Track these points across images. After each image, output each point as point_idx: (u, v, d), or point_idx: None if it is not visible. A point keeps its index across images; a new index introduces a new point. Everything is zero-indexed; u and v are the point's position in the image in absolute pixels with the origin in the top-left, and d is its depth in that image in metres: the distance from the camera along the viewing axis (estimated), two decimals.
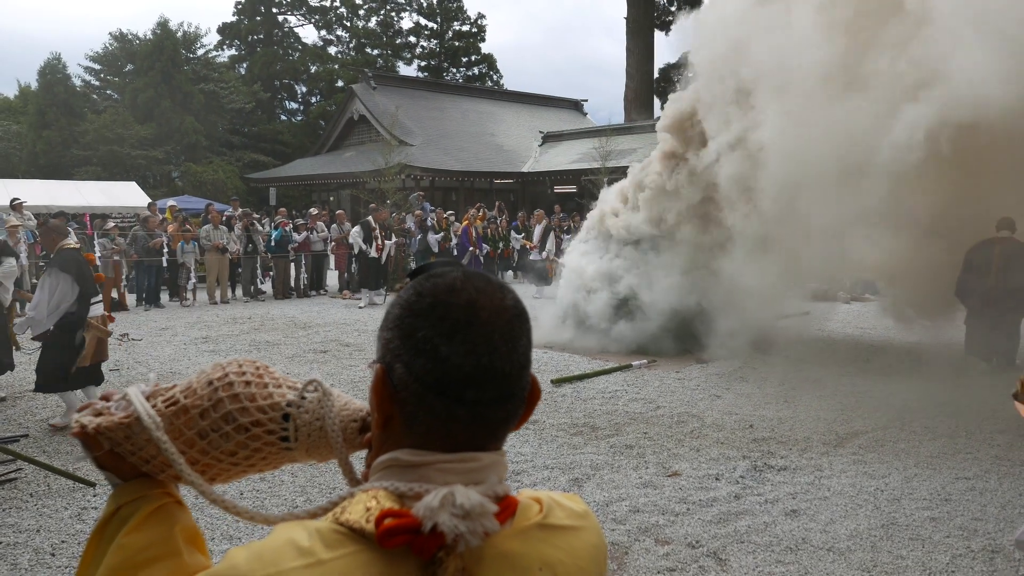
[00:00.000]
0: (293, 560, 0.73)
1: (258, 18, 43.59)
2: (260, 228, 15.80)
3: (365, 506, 0.77)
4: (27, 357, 8.88)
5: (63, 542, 4.08)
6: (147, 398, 0.97)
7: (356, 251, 14.50)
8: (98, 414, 0.96)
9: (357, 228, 14.69)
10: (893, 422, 6.36)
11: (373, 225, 14.49)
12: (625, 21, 30.57)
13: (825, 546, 4.00)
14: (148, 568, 0.88)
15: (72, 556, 3.91)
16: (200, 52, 38.18)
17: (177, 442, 0.94)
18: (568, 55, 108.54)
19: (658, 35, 31.74)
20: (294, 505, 4.61)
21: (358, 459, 0.96)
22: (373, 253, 14.24)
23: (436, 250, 16.64)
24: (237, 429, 0.95)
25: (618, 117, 33.25)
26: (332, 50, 46.33)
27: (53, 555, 3.93)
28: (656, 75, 32.97)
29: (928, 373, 8.15)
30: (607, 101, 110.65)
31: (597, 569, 0.90)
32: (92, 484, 4.85)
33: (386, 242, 14.65)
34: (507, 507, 0.81)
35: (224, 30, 43.30)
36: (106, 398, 0.98)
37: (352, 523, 0.76)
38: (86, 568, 0.92)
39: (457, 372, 0.78)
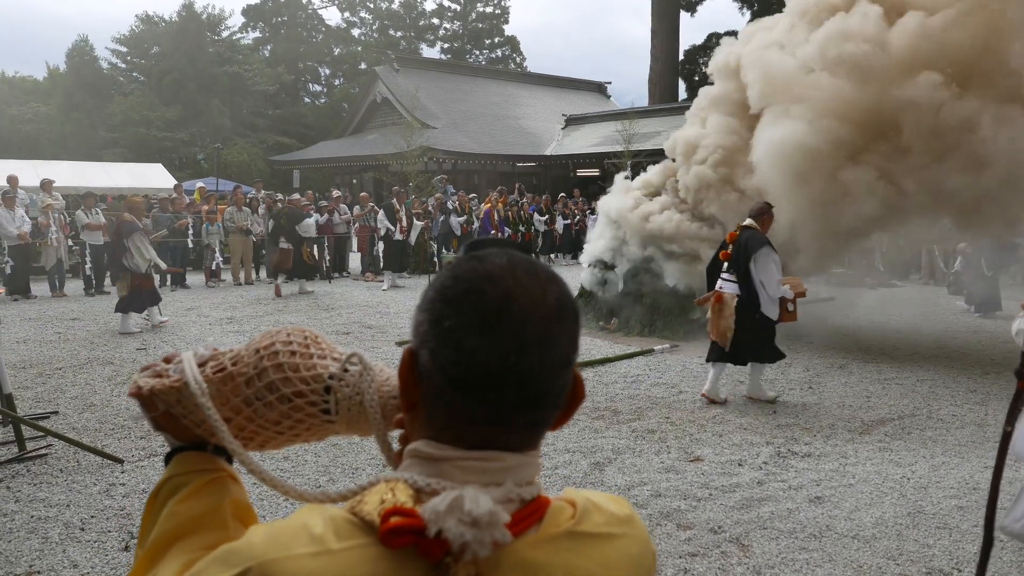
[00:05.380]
0: (304, 546, 0.71)
1: (282, 0, 43.65)
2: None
3: (381, 497, 0.74)
4: (55, 335, 9.03)
5: (92, 517, 4.15)
6: (204, 363, 0.99)
7: (383, 233, 14.54)
8: (157, 376, 0.99)
9: (381, 212, 14.73)
10: (920, 409, 6.28)
11: (397, 207, 14.52)
12: (651, 2, 30.17)
13: (850, 533, 3.96)
14: (193, 536, 0.91)
15: (101, 531, 3.98)
16: (225, 34, 38.34)
17: (224, 408, 0.96)
18: (593, 37, 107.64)
19: (684, 16, 31.32)
20: (317, 485, 4.65)
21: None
22: (398, 235, 14.29)
23: (458, 233, 16.66)
24: (280, 399, 0.95)
25: (642, 100, 32.95)
26: (355, 32, 46.39)
27: (82, 529, 4.00)
28: (681, 57, 32.57)
29: (956, 360, 8.03)
30: (632, 84, 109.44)
31: None
32: (120, 461, 4.93)
33: (416, 222, 14.68)
34: (531, 513, 0.76)
35: (248, 12, 43.45)
36: (168, 360, 1.01)
37: (364, 514, 0.73)
38: (144, 528, 0.96)
39: (480, 369, 0.73)
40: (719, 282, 6.45)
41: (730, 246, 6.41)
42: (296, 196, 15.09)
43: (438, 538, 0.69)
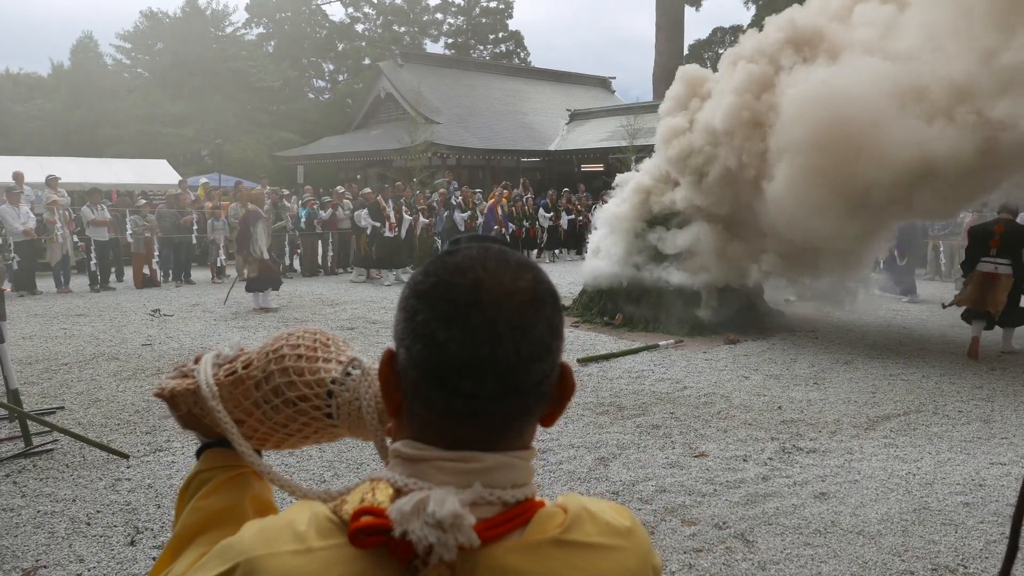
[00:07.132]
0: (287, 544, 0.71)
1: None
2: (288, 206, 15.89)
3: (361, 497, 0.74)
4: (61, 331, 9.04)
5: (98, 512, 4.16)
6: (227, 363, 1.02)
7: (369, 230, 14.50)
8: (183, 376, 1.02)
9: (365, 210, 14.67)
10: (926, 405, 6.26)
11: (383, 204, 14.45)
12: None
13: (855, 529, 3.95)
14: (213, 531, 0.94)
15: (106, 526, 3.99)
16: (228, 30, 38.33)
17: (236, 410, 0.98)
18: (598, 30, 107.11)
19: (688, 11, 31.23)
20: (322, 480, 4.66)
21: None
22: (387, 232, 14.24)
23: (463, 228, 16.64)
24: (285, 403, 0.97)
25: (647, 95, 32.84)
26: (359, 28, 46.22)
27: (88, 524, 4.02)
28: (686, 51, 32.49)
29: (962, 356, 8.00)
30: (636, 78, 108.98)
31: None
32: (126, 456, 4.95)
33: (406, 217, 14.62)
34: (515, 517, 0.74)
35: (252, 8, 43.36)
36: (197, 360, 1.04)
37: (344, 513, 0.73)
38: (177, 520, 1.01)
39: (454, 361, 0.71)
40: (986, 264, 7.87)
41: (996, 235, 7.79)
42: (370, 191, 16.25)
43: (404, 539, 0.69)
